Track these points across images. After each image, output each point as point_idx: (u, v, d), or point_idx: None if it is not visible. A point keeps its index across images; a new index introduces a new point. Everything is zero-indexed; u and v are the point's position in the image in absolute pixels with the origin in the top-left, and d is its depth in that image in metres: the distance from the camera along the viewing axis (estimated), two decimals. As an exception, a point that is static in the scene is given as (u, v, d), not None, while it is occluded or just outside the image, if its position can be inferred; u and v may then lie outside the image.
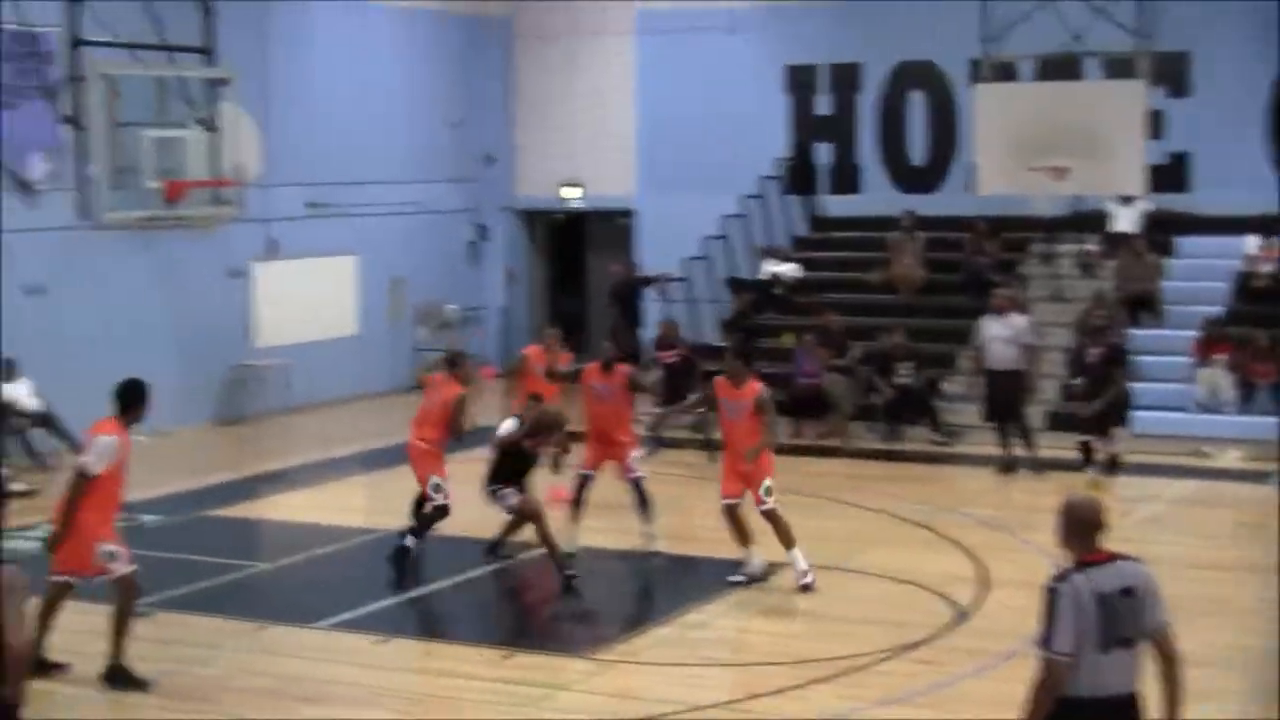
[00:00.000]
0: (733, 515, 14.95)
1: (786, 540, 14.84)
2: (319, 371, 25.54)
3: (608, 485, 16.76)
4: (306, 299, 25.93)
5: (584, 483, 16.36)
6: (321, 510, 18.56)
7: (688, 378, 22.12)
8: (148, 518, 17.40)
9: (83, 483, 11.98)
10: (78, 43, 18.94)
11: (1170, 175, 25.57)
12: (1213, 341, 22.71)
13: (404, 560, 15.31)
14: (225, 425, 24.33)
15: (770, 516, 14.82)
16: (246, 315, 24.98)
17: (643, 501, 16.36)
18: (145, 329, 23.10)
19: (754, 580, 14.88)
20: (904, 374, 23.05)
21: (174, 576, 15.07)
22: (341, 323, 26.79)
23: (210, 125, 20.34)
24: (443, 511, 15.54)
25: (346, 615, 14.13)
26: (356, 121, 27.07)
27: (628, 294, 26.49)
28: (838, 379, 22.89)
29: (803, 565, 14.77)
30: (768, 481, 14.82)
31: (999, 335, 20.66)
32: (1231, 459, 21.13)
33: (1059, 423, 21.84)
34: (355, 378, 26.61)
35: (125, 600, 12.21)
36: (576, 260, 31.69)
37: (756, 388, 14.95)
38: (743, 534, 15.04)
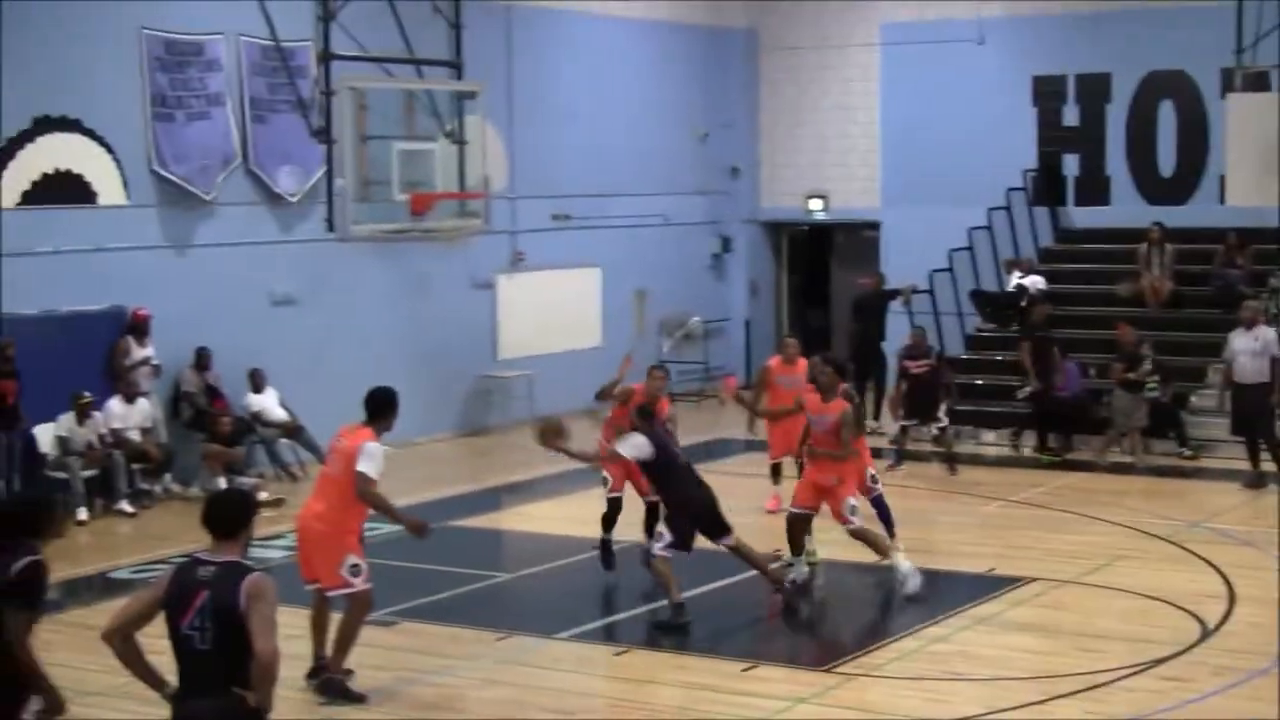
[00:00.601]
0: (796, 525, 15.29)
1: (882, 551, 15.16)
2: (562, 383, 25.71)
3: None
4: (550, 311, 26.22)
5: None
6: (563, 521, 18.71)
7: (934, 389, 21.76)
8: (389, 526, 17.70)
9: (369, 490, 11.93)
10: (328, 57, 19.31)
11: None
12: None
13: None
14: (469, 436, 24.70)
15: (859, 535, 15.08)
16: (491, 327, 25.34)
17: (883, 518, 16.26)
18: (391, 340, 23.57)
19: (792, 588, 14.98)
20: (1151, 388, 22.59)
21: (416, 586, 15.32)
22: (585, 334, 27.03)
23: (457, 138, 20.57)
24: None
25: (587, 626, 14.25)
26: (601, 134, 27.34)
27: (872, 307, 26.34)
28: (1123, 395, 22.34)
29: (904, 568, 14.89)
30: (851, 500, 15.06)
31: (1247, 348, 20.32)
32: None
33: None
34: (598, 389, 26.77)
35: (358, 615, 12.22)
36: (821, 272, 31.61)
37: (843, 405, 15.12)
38: (797, 545, 15.39)
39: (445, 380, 24.48)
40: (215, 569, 7.78)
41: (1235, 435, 20.75)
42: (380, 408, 12.31)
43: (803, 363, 17.98)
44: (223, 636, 7.65)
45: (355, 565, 12.07)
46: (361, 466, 11.88)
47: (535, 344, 25.71)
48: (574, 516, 18.70)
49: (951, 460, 21.21)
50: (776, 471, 18.62)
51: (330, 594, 12.22)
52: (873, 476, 16.31)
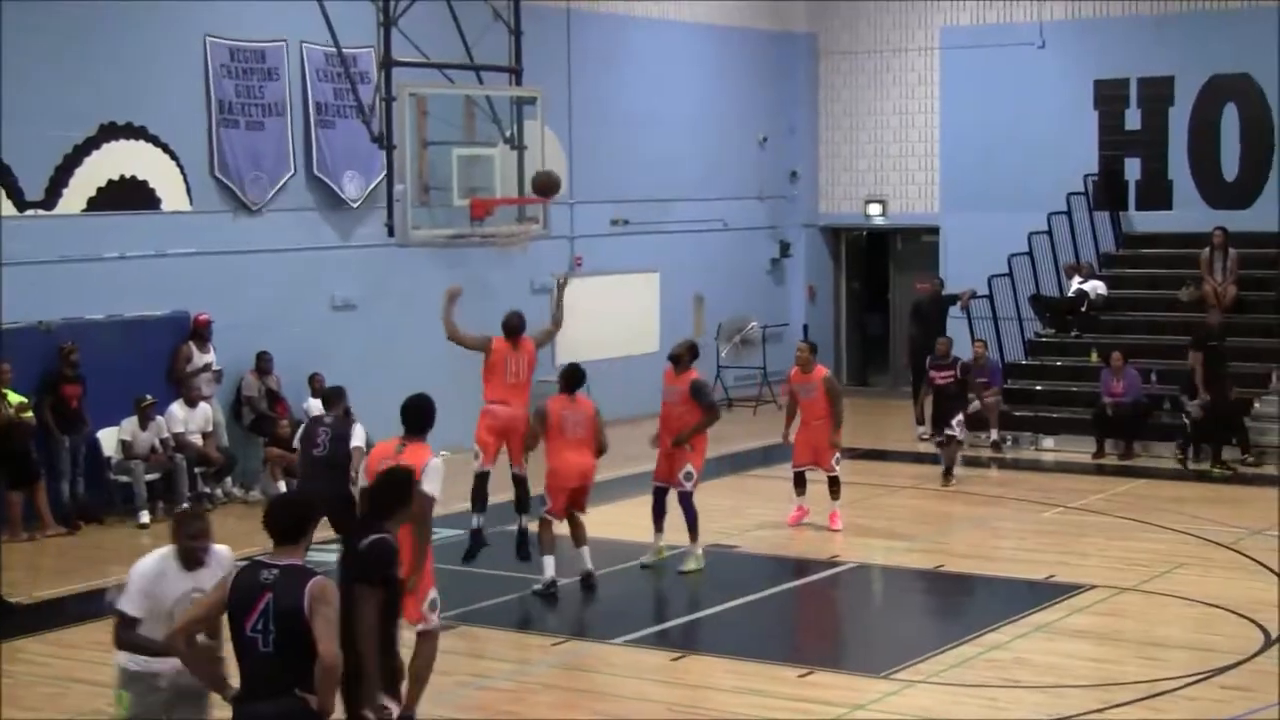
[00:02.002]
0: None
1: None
2: (621, 387, 25.72)
3: (906, 502, 16.64)
4: (609, 315, 26.23)
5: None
6: (620, 526, 18.64)
7: (958, 401, 21.46)
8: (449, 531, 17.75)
9: (429, 510, 10.99)
10: (389, 63, 19.38)
11: None
12: None
13: None
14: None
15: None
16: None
17: None
18: (449, 345, 23.57)
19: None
20: (1207, 394, 22.50)
21: (474, 591, 15.35)
22: (644, 339, 27.02)
23: (516, 143, 20.61)
24: None
25: (645, 631, 14.28)
26: (660, 138, 27.37)
27: (931, 312, 26.28)
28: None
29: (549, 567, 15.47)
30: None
31: None
32: None
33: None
34: (658, 394, 26.70)
35: (431, 654, 11.38)
36: (880, 277, 31.55)
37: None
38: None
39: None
40: (278, 572, 7.86)
41: None
42: (429, 416, 11.76)
43: (819, 369, 18.72)
44: (285, 640, 7.73)
45: (434, 600, 11.33)
46: (429, 488, 10.90)
47: (593, 349, 25.66)
48: (629, 521, 18.71)
49: (949, 471, 21.12)
50: (800, 481, 18.64)
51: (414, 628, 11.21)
52: (687, 474, 16.36)
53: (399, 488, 9.41)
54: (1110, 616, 14.44)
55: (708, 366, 28.09)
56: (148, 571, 8.63)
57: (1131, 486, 20.89)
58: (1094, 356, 24.70)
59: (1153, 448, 22.74)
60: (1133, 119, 28.00)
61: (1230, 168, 27.24)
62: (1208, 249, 25.51)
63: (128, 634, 8.55)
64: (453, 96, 20.72)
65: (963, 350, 25.45)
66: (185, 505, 18.64)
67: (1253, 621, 14.07)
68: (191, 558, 8.64)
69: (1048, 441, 23.87)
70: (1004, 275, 26.92)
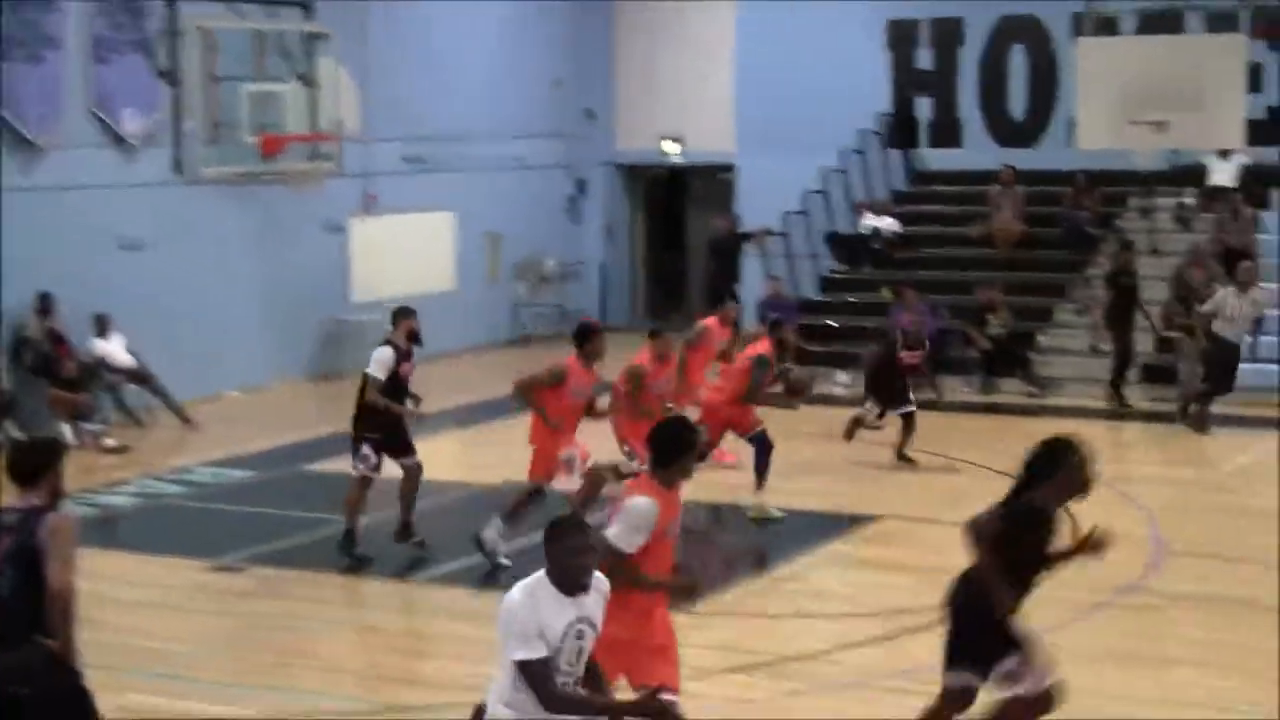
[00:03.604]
0: None
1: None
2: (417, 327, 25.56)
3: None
4: (404, 254, 25.94)
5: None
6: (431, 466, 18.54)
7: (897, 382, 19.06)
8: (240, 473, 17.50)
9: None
10: (174, -3, 19.00)
11: (1269, 129, 25.28)
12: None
13: None
14: (321, 381, 24.39)
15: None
16: (343, 271, 25.03)
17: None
18: (240, 284, 23.26)
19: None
20: (996, 326, 22.98)
21: (268, 532, 15.17)
22: (439, 278, 26.82)
23: (309, 80, 20.36)
24: None
25: (443, 569, 14.18)
26: (456, 77, 27.09)
27: (727, 249, 26.43)
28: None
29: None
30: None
31: (1240, 309, 20.22)
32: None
33: (1151, 375, 21.92)
34: (453, 333, 26.63)
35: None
36: (677, 216, 31.62)
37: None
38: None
39: (296, 324, 24.16)
40: (17, 515, 7.69)
41: (1213, 391, 20.38)
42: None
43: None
44: (23, 581, 7.55)
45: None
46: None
47: (389, 288, 25.36)
48: (426, 459, 18.57)
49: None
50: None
51: None
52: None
53: (34, 453, 8.07)
54: (903, 547, 14.64)
55: (504, 306, 28.06)
56: None
57: (923, 418, 21.11)
58: (886, 292, 24.96)
59: (945, 380, 23.07)
60: (924, 59, 28.31)
61: (1018, 107, 27.66)
62: (996, 186, 25.93)
63: None
64: (242, 31, 20.42)
65: (754, 288, 25.71)
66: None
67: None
68: None
69: (841, 376, 24.10)
70: (799, 213, 27.15)
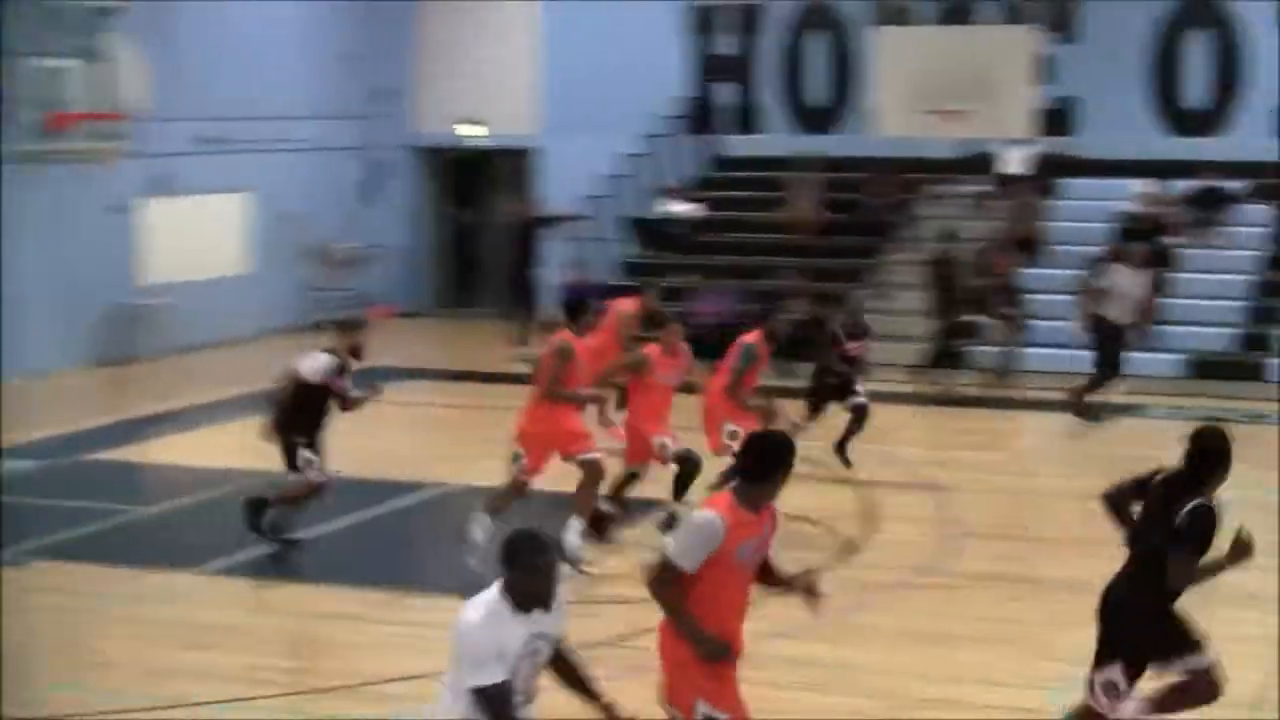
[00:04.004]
0: None
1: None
2: (209, 311, 25.11)
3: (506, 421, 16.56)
4: (196, 236, 25.47)
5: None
6: (208, 453, 18.23)
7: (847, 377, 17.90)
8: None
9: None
10: (-46, -32, 18.42)
11: (1057, 119, 25.81)
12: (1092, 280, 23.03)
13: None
14: (108, 366, 23.72)
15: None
16: (132, 253, 24.46)
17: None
18: (22, 267, 22.56)
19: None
20: (795, 312, 23.08)
21: (51, 523, 14.74)
22: (232, 261, 26.40)
23: (96, 56, 19.83)
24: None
25: (231, 560, 13.89)
26: (252, 56, 26.59)
27: (526, 233, 26.31)
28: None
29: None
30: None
31: (1130, 289, 20.20)
32: (1114, 393, 21.33)
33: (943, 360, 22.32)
34: (247, 317, 26.22)
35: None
36: (478, 198, 31.39)
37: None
38: None
39: (81, 309, 23.44)
40: None
41: (1105, 376, 20.23)
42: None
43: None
44: None
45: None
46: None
47: (180, 271, 24.93)
48: (218, 447, 18.30)
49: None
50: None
51: None
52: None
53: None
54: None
55: (300, 290, 27.64)
56: None
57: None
58: (687, 278, 24.97)
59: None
60: (725, 45, 28.41)
61: (818, 94, 27.87)
62: (796, 172, 26.11)
63: None
64: (27, 5, 19.88)
65: (557, 273, 25.61)
66: None
67: (832, 530, 14.46)
68: None
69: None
70: (600, 197, 27.10)
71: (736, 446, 13.74)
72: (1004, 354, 22.31)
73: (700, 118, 28.37)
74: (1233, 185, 24.60)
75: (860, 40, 27.01)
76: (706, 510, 7.50)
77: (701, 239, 26.26)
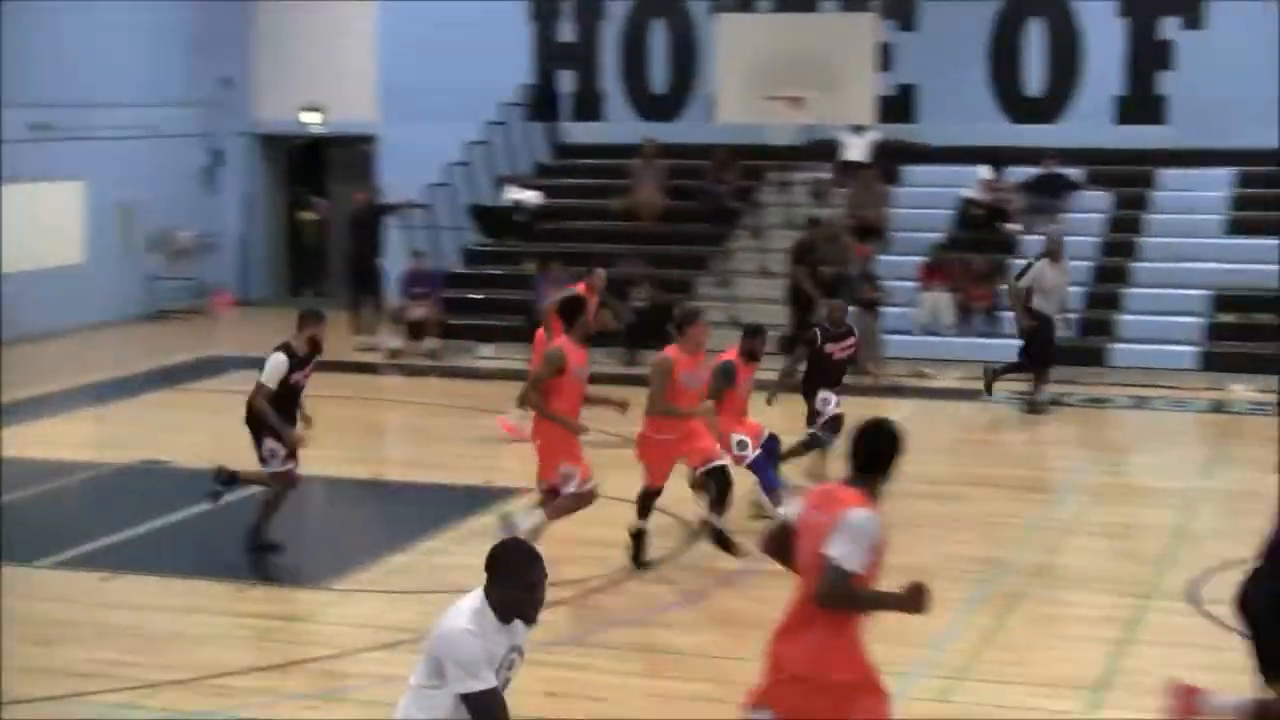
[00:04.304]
0: None
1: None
2: (43, 301, 24.64)
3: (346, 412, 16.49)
4: (29, 225, 24.95)
5: None
6: (45, 445, 17.89)
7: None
8: None
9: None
10: None
11: (898, 106, 26.08)
12: (935, 267, 23.36)
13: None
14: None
15: None
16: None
17: None
18: None
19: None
20: (640, 299, 23.22)
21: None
22: (66, 250, 25.93)
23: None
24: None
25: (72, 552, 13.67)
26: (86, 42, 26.14)
27: (368, 222, 26.12)
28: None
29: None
30: None
31: (1058, 283, 20.27)
32: (951, 379, 21.63)
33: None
34: (82, 308, 25.79)
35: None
36: (318, 186, 31.12)
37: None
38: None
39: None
40: None
41: (1044, 368, 20.13)
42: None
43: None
44: None
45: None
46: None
47: (12, 261, 24.40)
48: (55, 439, 17.99)
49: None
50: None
51: None
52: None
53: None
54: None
55: (137, 280, 27.24)
56: None
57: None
58: (529, 265, 24.96)
59: (590, 353, 23.11)
60: (566, 31, 28.37)
61: (659, 81, 27.93)
62: (638, 160, 26.14)
63: None
64: None
65: (398, 261, 25.50)
66: None
67: (677, 517, 14.46)
68: None
69: (485, 349, 24.06)
70: (442, 185, 26.95)
71: (749, 455, 14.14)
72: (867, 341, 22.36)
73: (542, 105, 28.30)
74: (1072, 172, 24.99)
75: (702, 27, 27.10)
76: (859, 510, 7.12)
77: (544, 226, 26.22)
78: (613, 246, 24.58)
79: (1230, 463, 17.58)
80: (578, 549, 13.61)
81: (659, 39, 27.89)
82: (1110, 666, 10.75)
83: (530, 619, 6.71)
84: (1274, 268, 22.80)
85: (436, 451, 17.80)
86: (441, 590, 12.52)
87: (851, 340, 16.01)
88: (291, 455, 13.59)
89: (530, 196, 26.54)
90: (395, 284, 25.40)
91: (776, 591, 12.51)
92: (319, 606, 12.23)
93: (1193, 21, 25.49)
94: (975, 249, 23.97)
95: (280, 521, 13.90)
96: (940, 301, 23.21)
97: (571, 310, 13.40)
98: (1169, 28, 25.66)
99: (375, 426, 20.20)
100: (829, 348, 15.72)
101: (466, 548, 13.65)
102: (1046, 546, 14.00)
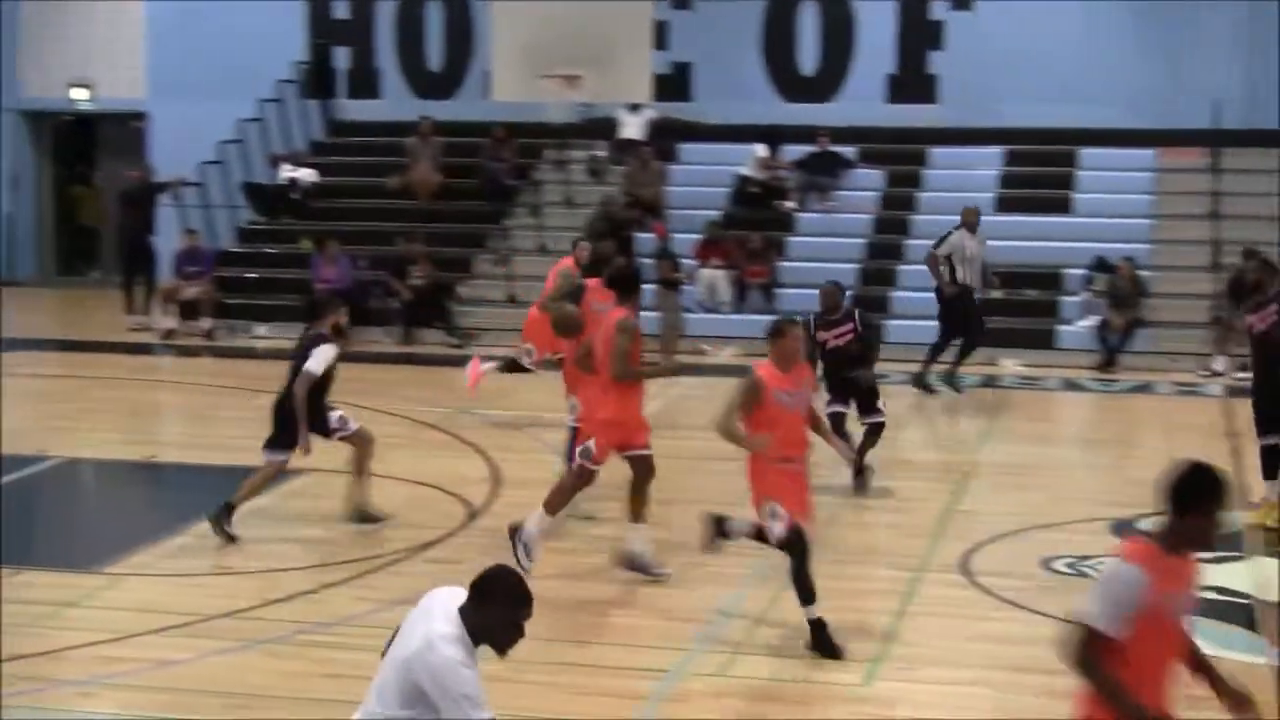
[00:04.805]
0: None
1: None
2: None
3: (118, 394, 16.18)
4: None
5: None
6: None
7: (860, 362, 15.04)
8: None
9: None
10: None
11: (674, 84, 26.26)
12: (711, 244, 23.54)
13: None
14: None
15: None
16: None
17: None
18: None
19: None
20: (417, 278, 23.13)
21: None
22: None
23: None
24: None
25: None
26: None
27: (140, 200, 25.66)
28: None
29: None
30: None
31: (977, 252, 20.13)
32: (727, 355, 21.82)
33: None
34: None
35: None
36: (89, 164, 30.49)
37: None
38: None
39: None
40: None
41: (958, 337, 19.95)
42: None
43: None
44: None
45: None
46: None
47: None
48: None
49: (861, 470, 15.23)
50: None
51: None
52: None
53: None
54: (325, 499, 14.48)
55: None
56: None
57: (345, 370, 20.89)
58: (305, 243, 24.74)
59: (365, 332, 23.06)
60: (341, 8, 28.12)
61: (436, 59, 27.80)
62: (415, 137, 26.00)
63: None
64: None
65: (171, 239, 25.10)
66: None
67: (457, 497, 14.44)
68: None
69: (261, 329, 23.79)
70: (215, 163, 26.56)
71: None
72: (668, 319, 22.39)
73: (318, 82, 28.02)
74: (846, 150, 25.34)
75: (478, 4, 27.02)
76: (1123, 563, 6.18)
77: (320, 205, 25.97)
78: (390, 225, 24.52)
79: (1000, 436, 17.99)
80: (357, 530, 13.52)
81: (435, 16, 27.77)
82: (885, 638, 10.93)
83: (503, 652, 6.45)
84: (1042, 244, 23.38)
85: (212, 432, 17.55)
86: (219, 573, 12.39)
87: (849, 326, 14.79)
88: (292, 446, 13.32)
89: (306, 174, 26.28)
90: (169, 263, 25.00)
91: (561, 568, 12.64)
92: (92, 591, 11.98)
93: (962, 3, 26.00)
94: (752, 226, 24.21)
95: (52, 505, 13.62)
96: (717, 279, 23.41)
97: (627, 281, 12.28)
98: (939, 9, 26.14)
99: (149, 407, 19.88)
100: (822, 335, 14.74)
101: (244, 529, 13.48)
102: (823, 520, 14.13)
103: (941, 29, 26.15)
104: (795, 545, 10.50)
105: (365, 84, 28.18)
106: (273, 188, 26.48)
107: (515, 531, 11.99)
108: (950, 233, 20.30)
